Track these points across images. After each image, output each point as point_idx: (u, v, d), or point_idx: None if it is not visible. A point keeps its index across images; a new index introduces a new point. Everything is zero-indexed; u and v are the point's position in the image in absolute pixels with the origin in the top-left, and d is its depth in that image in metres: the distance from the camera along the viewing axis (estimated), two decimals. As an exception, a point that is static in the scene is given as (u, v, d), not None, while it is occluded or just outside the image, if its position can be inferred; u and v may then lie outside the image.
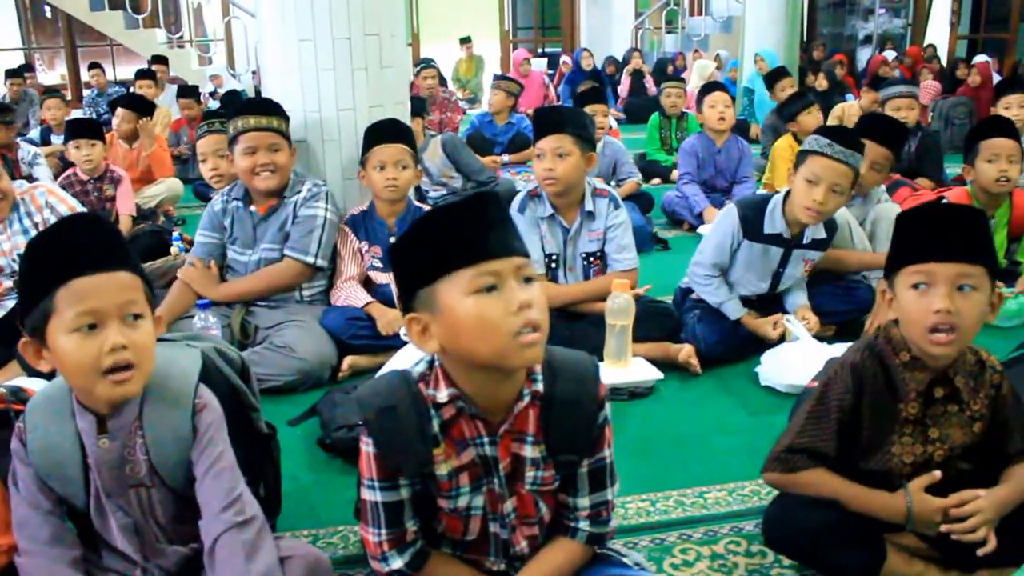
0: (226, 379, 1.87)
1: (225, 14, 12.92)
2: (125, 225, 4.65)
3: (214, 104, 8.94)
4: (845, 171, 2.97)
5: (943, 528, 1.79)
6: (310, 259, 3.24)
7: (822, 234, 3.20)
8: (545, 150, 3.15)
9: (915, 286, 1.75)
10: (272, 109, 3.24)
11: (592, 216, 3.26)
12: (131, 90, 7.81)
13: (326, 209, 3.27)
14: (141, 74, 8.40)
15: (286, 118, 3.27)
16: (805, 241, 3.19)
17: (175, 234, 4.39)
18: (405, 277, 1.49)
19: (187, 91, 7.66)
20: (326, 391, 2.81)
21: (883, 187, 3.73)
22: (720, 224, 3.29)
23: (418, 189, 5.30)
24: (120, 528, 1.62)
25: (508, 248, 1.42)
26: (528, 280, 1.43)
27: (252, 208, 3.28)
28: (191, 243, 3.70)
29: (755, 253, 3.23)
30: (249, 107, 3.30)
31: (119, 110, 5.83)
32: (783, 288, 3.34)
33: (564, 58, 12.79)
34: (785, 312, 3.30)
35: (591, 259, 3.29)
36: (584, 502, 1.61)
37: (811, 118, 5.21)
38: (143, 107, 5.90)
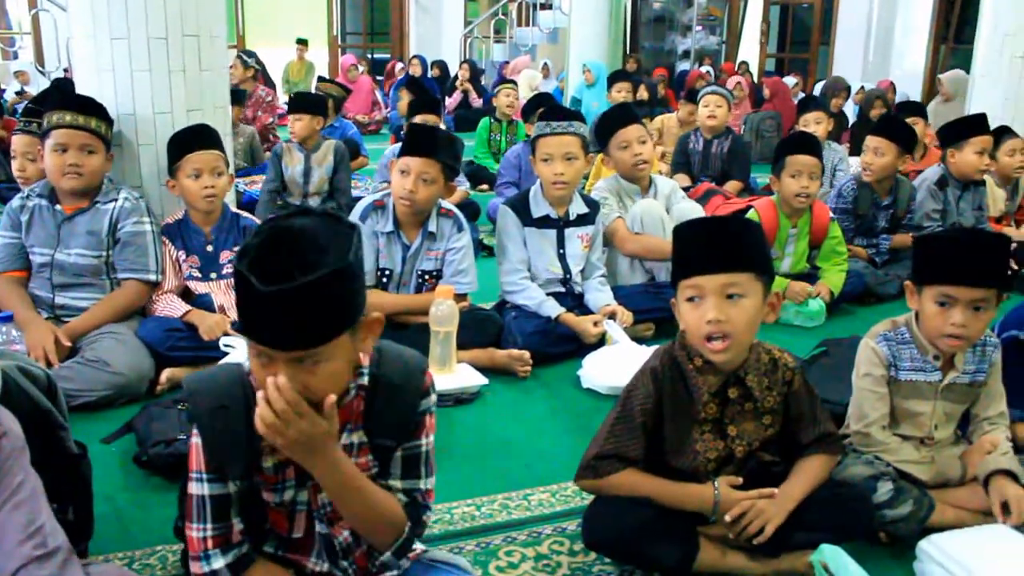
0: (29, 398, 1.77)
1: (32, 6, 12.11)
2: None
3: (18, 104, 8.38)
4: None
5: (730, 535, 1.93)
6: (152, 276, 3.15)
7: (584, 209, 3.54)
8: (411, 170, 3.13)
9: (689, 299, 1.87)
10: (93, 109, 3.09)
11: (434, 236, 3.27)
12: None
13: (151, 222, 3.16)
14: None
15: (108, 121, 3.13)
16: (571, 218, 3.50)
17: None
18: None
19: None
20: (143, 406, 2.70)
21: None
22: (502, 226, 3.50)
23: (280, 194, 5.11)
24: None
25: (288, 344, 1.38)
26: (301, 360, 1.40)
27: (58, 207, 3.11)
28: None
29: (536, 238, 3.46)
30: (68, 102, 3.11)
31: None
32: (576, 270, 3.52)
33: (401, 65, 12.75)
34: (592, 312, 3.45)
35: (427, 277, 3.31)
36: (397, 484, 1.61)
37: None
38: None
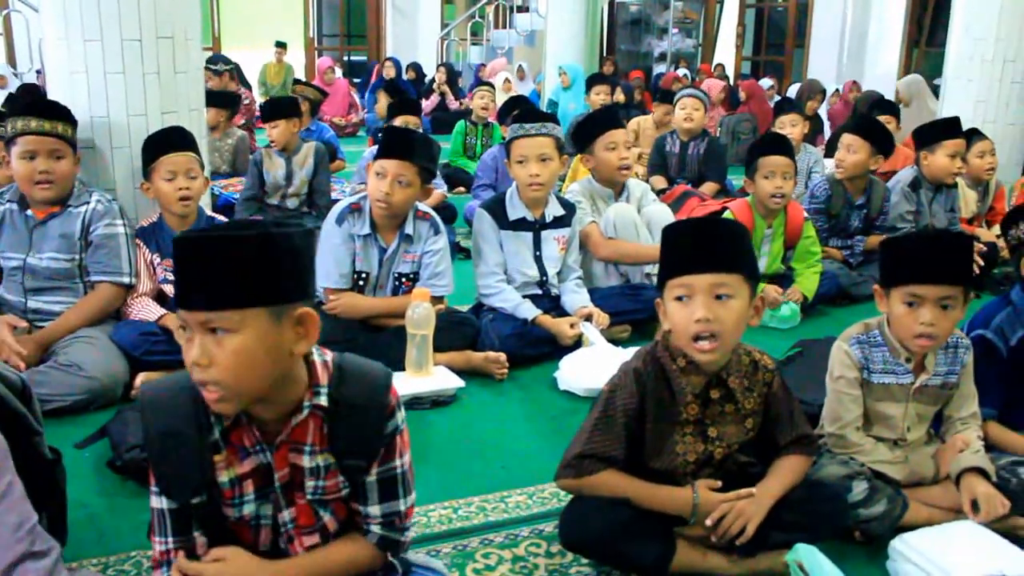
0: (4, 403, 1.75)
1: (3, 6, 11.97)
2: None
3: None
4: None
5: (712, 538, 1.93)
6: (126, 279, 3.14)
7: (560, 211, 3.56)
8: (388, 172, 3.12)
9: (678, 298, 1.87)
10: (59, 113, 3.06)
11: (411, 239, 3.26)
12: None
13: (124, 224, 3.15)
14: None
15: (73, 123, 3.10)
16: (548, 221, 3.52)
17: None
18: None
19: None
20: (117, 410, 2.67)
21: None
22: (479, 229, 3.50)
23: (260, 199, 5.07)
24: None
25: (197, 303, 1.39)
26: (214, 331, 1.40)
27: (29, 212, 3.08)
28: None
29: (513, 241, 3.48)
30: (33, 108, 3.08)
31: None
32: (553, 272, 3.54)
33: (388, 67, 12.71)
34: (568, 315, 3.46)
35: (403, 280, 3.30)
36: (375, 510, 1.61)
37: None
38: None
